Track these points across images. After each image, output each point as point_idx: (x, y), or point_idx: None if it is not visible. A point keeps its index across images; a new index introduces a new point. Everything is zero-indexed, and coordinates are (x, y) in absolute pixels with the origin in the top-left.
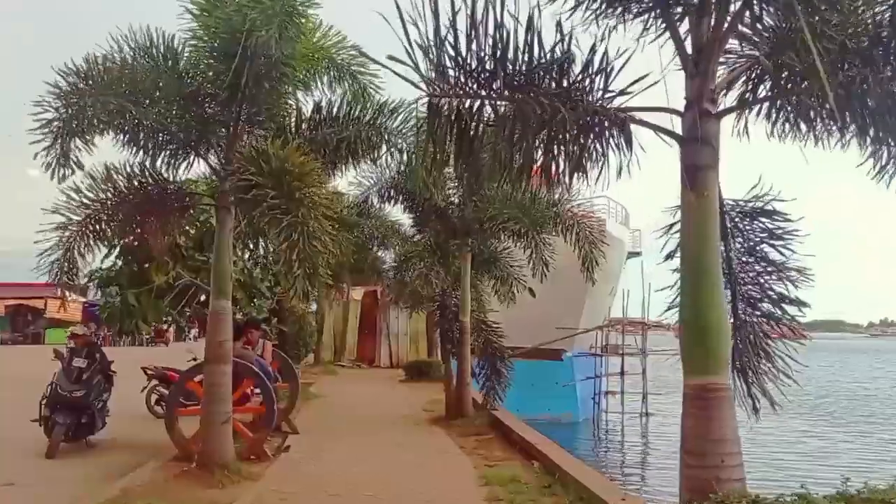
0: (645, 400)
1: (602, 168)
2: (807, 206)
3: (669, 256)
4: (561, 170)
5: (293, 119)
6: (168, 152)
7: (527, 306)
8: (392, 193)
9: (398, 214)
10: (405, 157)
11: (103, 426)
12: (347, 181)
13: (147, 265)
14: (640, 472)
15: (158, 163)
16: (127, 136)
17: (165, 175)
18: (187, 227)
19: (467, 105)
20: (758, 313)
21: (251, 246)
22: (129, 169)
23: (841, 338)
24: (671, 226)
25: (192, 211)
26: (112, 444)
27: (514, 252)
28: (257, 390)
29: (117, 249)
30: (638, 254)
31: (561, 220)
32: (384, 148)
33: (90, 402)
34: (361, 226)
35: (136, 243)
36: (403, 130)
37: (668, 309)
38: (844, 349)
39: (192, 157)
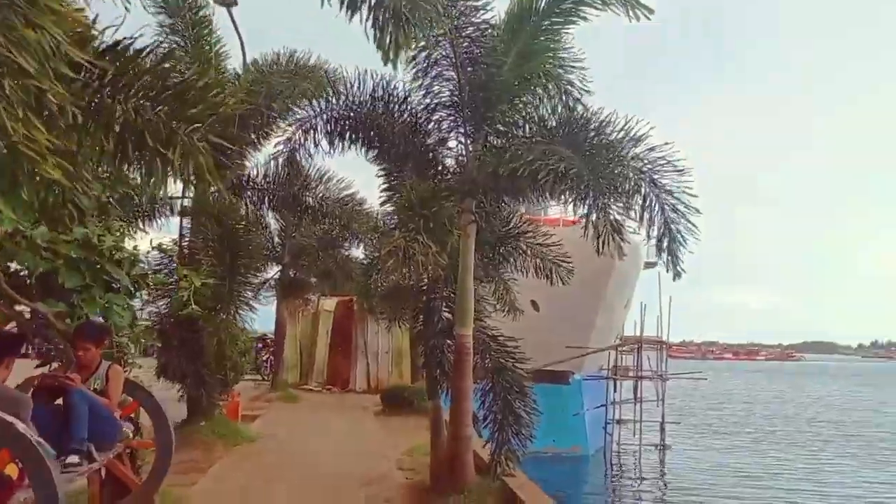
0: (663, 430)
1: None
2: None
3: None
4: None
5: None
6: None
7: (526, 319)
8: (346, 124)
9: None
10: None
11: None
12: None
13: None
14: None
15: None
16: None
17: None
18: None
19: None
20: None
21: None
22: None
23: (833, 359)
24: None
25: None
26: None
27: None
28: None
29: None
30: (653, 264)
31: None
32: None
33: None
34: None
35: None
36: None
37: None
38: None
39: None
